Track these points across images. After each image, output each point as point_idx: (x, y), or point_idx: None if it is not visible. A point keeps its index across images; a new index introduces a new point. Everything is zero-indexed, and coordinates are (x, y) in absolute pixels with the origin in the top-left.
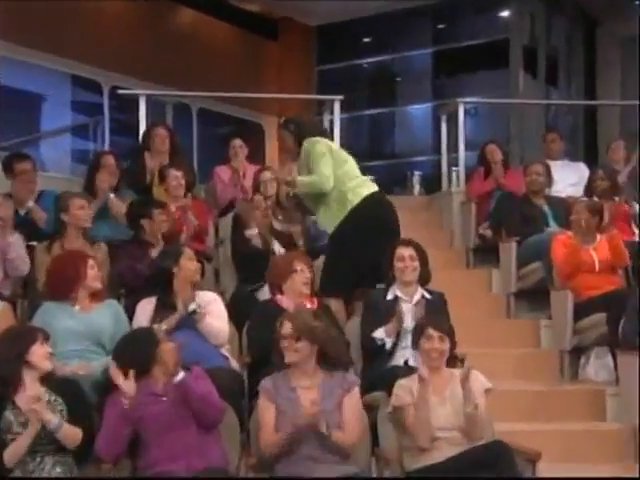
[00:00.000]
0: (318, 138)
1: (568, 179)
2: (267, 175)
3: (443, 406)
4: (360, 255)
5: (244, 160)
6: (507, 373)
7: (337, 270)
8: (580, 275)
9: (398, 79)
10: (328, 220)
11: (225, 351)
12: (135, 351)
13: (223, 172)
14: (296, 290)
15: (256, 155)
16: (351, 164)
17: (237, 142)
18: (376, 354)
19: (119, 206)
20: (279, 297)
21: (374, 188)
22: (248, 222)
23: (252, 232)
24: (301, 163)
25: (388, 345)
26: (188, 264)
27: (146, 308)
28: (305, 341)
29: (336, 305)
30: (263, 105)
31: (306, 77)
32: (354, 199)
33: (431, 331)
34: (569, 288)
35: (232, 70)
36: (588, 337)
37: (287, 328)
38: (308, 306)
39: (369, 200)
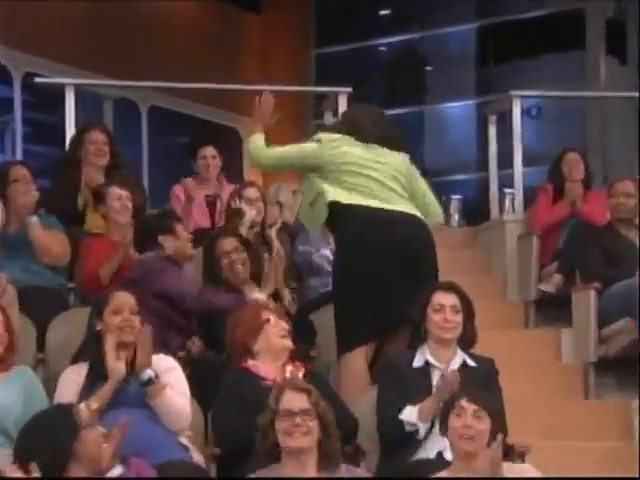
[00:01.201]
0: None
1: None
2: (252, 193)
3: None
4: (375, 293)
5: (218, 176)
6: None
7: (349, 311)
8: None
9: (428, 67)
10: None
11: (185, 439)
12: (43, 442)
13: (182, 192)
14: (274, 349)
15: (230, 169)
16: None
17: (208, 151)
18: (400, 443)
19: (42, 237)
20: (251, 363)
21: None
22: (233, 272)
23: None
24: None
25: (422, 431)
26: (113, 319)
27: (72, 379)
28: (317, 420)
29: (359, 366)
30: (240, 102)
31: (300, 63)
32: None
33: (464, 403)
34: None
35: (197, 54)
36: None
37: (301, 401)
38: (295, 372)
39: (385, 214)
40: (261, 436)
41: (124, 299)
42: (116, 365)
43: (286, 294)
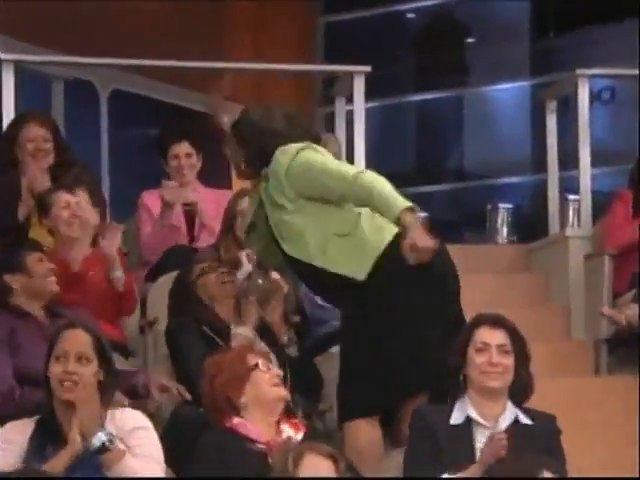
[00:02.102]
0: (303, 144)
1: None
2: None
3: None
4: (403, 342)
5: (194, 180)
6: None
7: (364, 373)
8: None
9: (470, 39)
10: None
11: None
12: None
13: (157, 201)
14: (265, 402)
15: (214, 171)
16: None
17: (182, 148)
18: None
19: None
20: (237, 422)
21: None
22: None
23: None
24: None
25: None
26: (55, 369)
27: (13, 439)
28: None
29: (369, 434)
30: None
31: (304, 35)
32: (382, 236)
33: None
34: None
35: (171, 25)
36: None
37: (328, 468)
38: (292, 435)
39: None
40: None
41: (71, 341)
42: (88, 427)
43: (282, 330)
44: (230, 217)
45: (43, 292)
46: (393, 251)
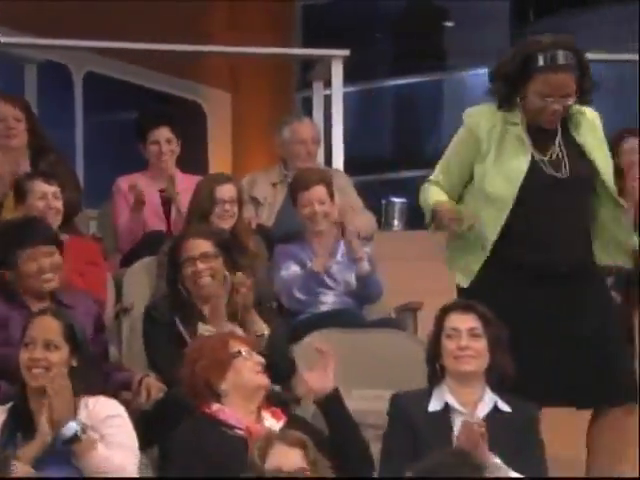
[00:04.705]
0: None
1: None
2: (226, 192)
3: None
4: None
5: (173, 166)
6: None
7: None
8: None
9: (449, 23)
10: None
11: None
12: None
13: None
14: (246, 389)
15: (191, 156)
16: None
17: (162, 134)
18: None
19: None
20: (217, 408)
21: None
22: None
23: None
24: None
25: None
26: (23, 355)
27: None
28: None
29: None
30: (203, 69)
31: (281, 18)
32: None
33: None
34: None
35: (146, 6)
36: None
37: (295, 459)
38: (273, 423)
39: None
40: None
41: (39, 327)
42: (46, 423)
43: (257, 319)
44: (206, 203)
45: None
46: None
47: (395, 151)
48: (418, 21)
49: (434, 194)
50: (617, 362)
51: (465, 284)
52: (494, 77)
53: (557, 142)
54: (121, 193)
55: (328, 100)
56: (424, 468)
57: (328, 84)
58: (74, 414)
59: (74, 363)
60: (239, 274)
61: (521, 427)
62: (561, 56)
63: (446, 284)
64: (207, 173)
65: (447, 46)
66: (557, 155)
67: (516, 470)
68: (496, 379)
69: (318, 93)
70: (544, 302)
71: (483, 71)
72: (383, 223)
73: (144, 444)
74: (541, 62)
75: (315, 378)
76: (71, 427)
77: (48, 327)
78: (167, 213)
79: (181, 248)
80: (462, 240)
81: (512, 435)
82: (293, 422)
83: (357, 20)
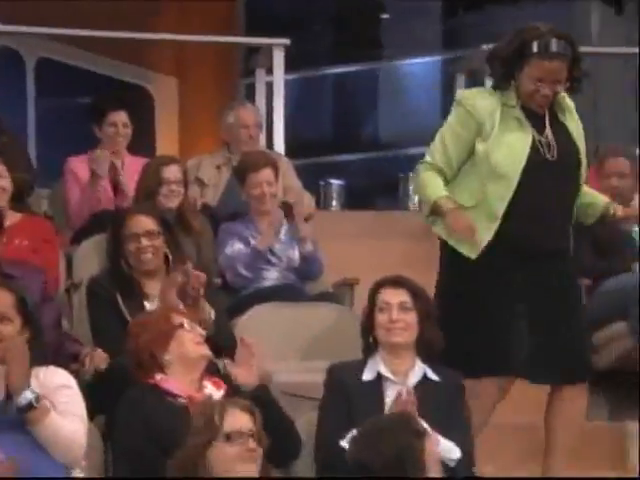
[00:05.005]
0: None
1: None
2: (172, 173)
3: None
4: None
5: (124, 148)
6: None
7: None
8: None
9: (384, 15)
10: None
11: (80, 473)
12: None
13: (82, 168)
14: (188, 359)
15: (140, 139)
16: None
17: (120, 117)
18: (341, 474)
19: None
20: (160, 378)
21: None
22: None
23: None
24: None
25: None
26: None
27: None
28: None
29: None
30: (152, 56)
31: (226, 8)
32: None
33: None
34: None
35: None
36: None
37: (248, 423)
38: (214, 391)
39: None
40: (189, 463)
41: None
42: (16, 385)
43: (204, 305)
44: (153, 183)
45: None
46: None
47: (333, 136)
48: (356, 13)
49: (432, 185)
50: (575, 343)
51: (474, 255)
52: (492, 58)
53: (547, 125)
54: (72, 173)
55: (270, 87)
56: (367, 431)
57: (270, 71)
58: (29, 383)
59: (26, 334)
60: (207, 309)
61: (449, 395)
62: (555, 44)
63: (380, 261)
64: (154, 155)
65: (383, 37)
66: (547, 138)
67: (444, 435)
68: (426, 349)
69: (260, 80)
70: (523, 277)
71: (416, 61)
72: (322, 203)
73: (91, 413)
74: (536, 48)
75: (241, 373)
76: (26, 395)
77: (1, 300)
78: (116, 192)
79: (125, 224)
80: (470, 212)
81: (440, 402)
82: (233, 392)
83: (298, 10)
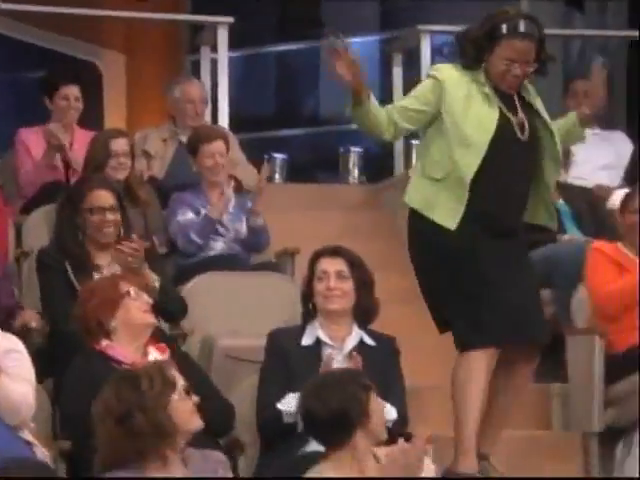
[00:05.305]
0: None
1: (598, 158)
2: (120, 146)
3: None
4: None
5: (74, 122)
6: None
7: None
8: (628, 313)
9: None
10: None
11: (27, 434)
12: None
13: (34, 139)
14: (134, 327)
15: (88, 113)
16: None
17: (72, 91)
18: (282, 436)
19: None
20: (106, 344)
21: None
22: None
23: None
24: None
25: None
26: None
27: None
28: None
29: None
30: (100, 32)
31: None
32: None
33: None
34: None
35: None
36: (628, 412)
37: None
38: (157, 356)
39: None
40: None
41: None
42: None
43: (148, 274)
44: (101, 156)
45: None
46: None
47: (276, 111)
48: None
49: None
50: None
51: (453, 225)
52: (463, 40)
53: (518, 106)
54: (23, 144)
55: (215, 64)
56: (316, 383)
57: (215, 49)
58: None
59: None
60: (152, 277)
61: (384, 359)
62: (524, 24)
63: (321, 232)
64: (103, 129)
65: (324, 16)
66: (520, 118)
67: (380, 397)
68: (363, 315)
69: (205, 57)
70: (490, 250)
71: (355, 40)
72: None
73: (40, 376)
74: (505, 30)
75: None
76: None
77: None
78: (66, 164)
79: (86, 198)
80: (441, 183)
81: (377, 365)
82: (176, 356)
83: None
